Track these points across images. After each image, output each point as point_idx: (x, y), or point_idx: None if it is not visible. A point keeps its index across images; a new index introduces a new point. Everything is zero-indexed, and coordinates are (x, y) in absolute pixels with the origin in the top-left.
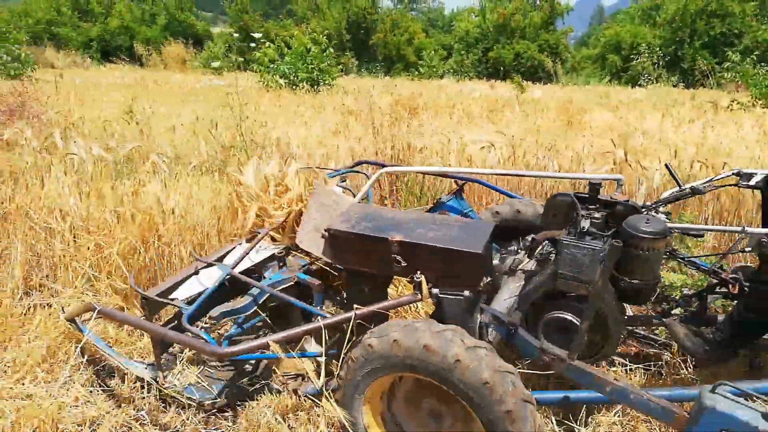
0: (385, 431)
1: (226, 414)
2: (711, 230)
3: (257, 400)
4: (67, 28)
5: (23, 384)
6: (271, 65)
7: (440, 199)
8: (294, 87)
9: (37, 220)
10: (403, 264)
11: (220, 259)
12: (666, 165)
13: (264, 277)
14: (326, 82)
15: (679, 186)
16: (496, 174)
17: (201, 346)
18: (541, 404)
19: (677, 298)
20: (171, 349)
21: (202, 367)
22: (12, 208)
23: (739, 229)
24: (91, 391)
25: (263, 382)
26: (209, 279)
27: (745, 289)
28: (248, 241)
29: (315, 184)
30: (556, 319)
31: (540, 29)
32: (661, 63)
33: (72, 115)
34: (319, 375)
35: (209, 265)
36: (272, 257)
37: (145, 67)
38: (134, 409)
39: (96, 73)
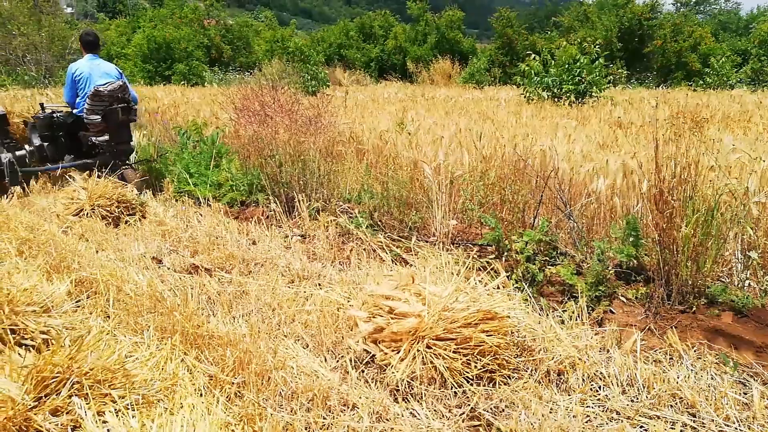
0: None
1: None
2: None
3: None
4: (353, 50)
5: None
6: (536, 77)
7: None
8: (557, 99)
9: None
10: None
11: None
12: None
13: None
14: (594, 93)
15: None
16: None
17: None
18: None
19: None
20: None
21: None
22: None
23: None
24: None
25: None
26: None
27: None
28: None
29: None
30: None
31: None
32: None
33: (356, 126)
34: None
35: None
36: None
37: (415, 83)
38: None
39: (373, 89)
